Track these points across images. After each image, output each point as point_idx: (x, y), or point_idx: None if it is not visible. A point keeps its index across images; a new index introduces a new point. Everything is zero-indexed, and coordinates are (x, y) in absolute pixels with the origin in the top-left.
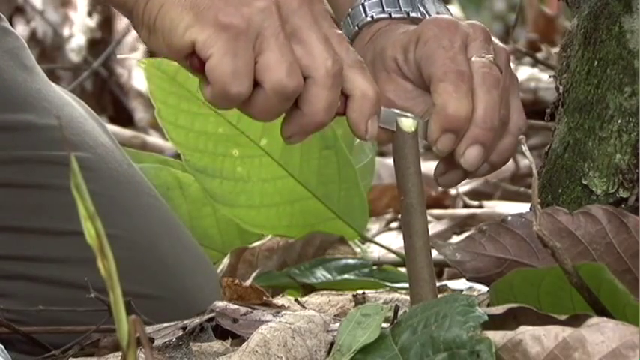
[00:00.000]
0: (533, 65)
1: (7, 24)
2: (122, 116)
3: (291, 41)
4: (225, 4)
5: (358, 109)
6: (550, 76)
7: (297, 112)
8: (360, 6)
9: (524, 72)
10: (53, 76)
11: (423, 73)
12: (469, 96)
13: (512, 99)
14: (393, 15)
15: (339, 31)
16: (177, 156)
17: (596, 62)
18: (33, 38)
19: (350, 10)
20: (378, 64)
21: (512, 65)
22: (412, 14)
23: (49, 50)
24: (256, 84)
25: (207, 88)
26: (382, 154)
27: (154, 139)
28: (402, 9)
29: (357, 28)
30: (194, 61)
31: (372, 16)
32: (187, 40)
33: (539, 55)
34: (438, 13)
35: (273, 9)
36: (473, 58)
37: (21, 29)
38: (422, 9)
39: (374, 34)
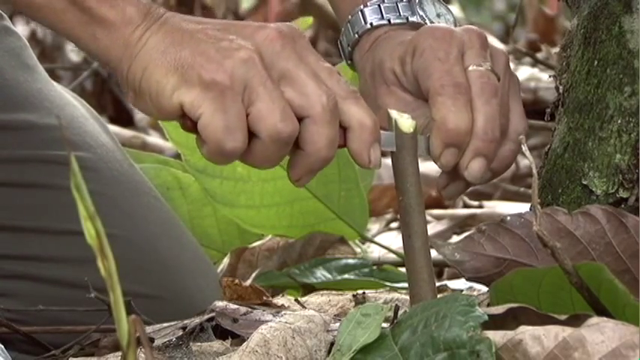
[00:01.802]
0: (533, 65)
1: (9, 23)
2: (122, 116)
3: (280, 84)
4: (207, 60)
5: (358, 139)
6: (550, 76)
7: (301, 154)
8: (360, 13)
9: (524, 72)
10: (53, 76)
11: (421, 86)
12: (468, 108)
13: (513, 103)
14: (392, 21)
15: (327, 64)
16: (178, 156)
17: (596, 62)
18: (33, 38)
19: (350, 16)
20: (377, 77)
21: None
22: (411, 19)
23: (49, 50)
24: (252, 135)
25: (203, 146)
26: (382, 154)
27: (154, 139)
28: (401, 14)
29: (356, 35)
30: (187, 122)
31: (371, 24)
32: (176, 103)
33: (539, 55)
34: (438, 14)
35: (256, 58)
36: (470, 68)
37: (21, 29)
38: (421, 13)
39: (373, 41)
